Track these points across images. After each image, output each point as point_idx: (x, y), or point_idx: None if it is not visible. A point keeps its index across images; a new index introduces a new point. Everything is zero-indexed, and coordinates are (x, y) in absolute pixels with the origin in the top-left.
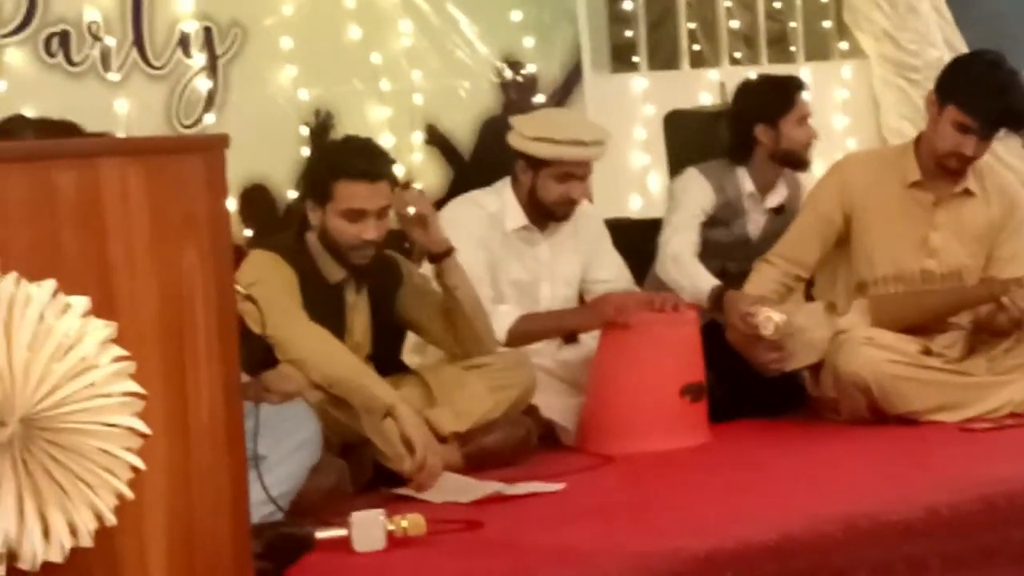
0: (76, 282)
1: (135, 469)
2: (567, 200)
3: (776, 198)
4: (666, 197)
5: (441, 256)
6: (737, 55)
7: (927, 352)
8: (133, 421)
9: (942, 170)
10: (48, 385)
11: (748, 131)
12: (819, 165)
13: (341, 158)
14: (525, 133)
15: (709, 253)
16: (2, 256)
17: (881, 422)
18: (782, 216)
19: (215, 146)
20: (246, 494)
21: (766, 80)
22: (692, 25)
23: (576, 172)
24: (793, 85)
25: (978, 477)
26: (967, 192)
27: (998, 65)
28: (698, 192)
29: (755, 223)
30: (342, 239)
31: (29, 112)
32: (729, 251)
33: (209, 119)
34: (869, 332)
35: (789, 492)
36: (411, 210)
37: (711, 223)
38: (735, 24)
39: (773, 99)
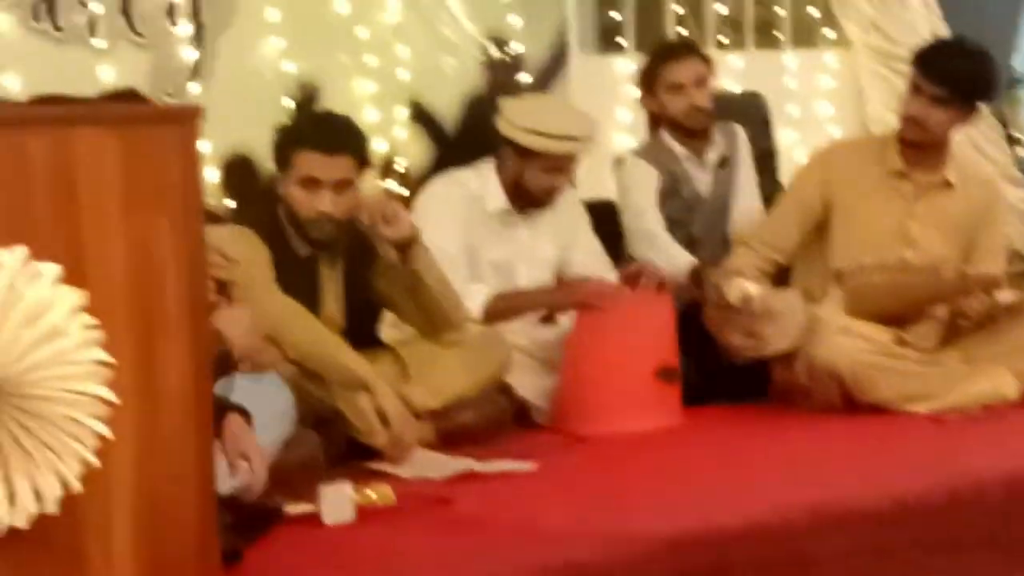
0: (47, 249)
1: (102, 437)
2: (552, 190)
3: (714, 153)
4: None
5: (406, 245)
6: (723, 40)
7: (901, 342)
8: (101, 390)
9: (908, 146)
10: (16, 352)
11: (644, 104)
12: (802, 152)
13: (302, 127)
14: (516, 122)
15: (671, 224)
16: None
17: (853, 411)
18: (727, 168)
19: (190, 117)
20: (212, 465)
21: (650, 52)
22: (679, 9)
23: (564, 164)
24: (660, 52)
25: (948, 467)
26: (947, 183)
27: (965, 40)
28: (642, 173)
29: (703, 182)
30: (299, 210)
31: (14, 77)
32: (688, 216)
33: (194, 89)
34: (844, 320)
35: (758, 477)
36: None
37: (663, 196)
38: (722, 9)
39: (643, 70)
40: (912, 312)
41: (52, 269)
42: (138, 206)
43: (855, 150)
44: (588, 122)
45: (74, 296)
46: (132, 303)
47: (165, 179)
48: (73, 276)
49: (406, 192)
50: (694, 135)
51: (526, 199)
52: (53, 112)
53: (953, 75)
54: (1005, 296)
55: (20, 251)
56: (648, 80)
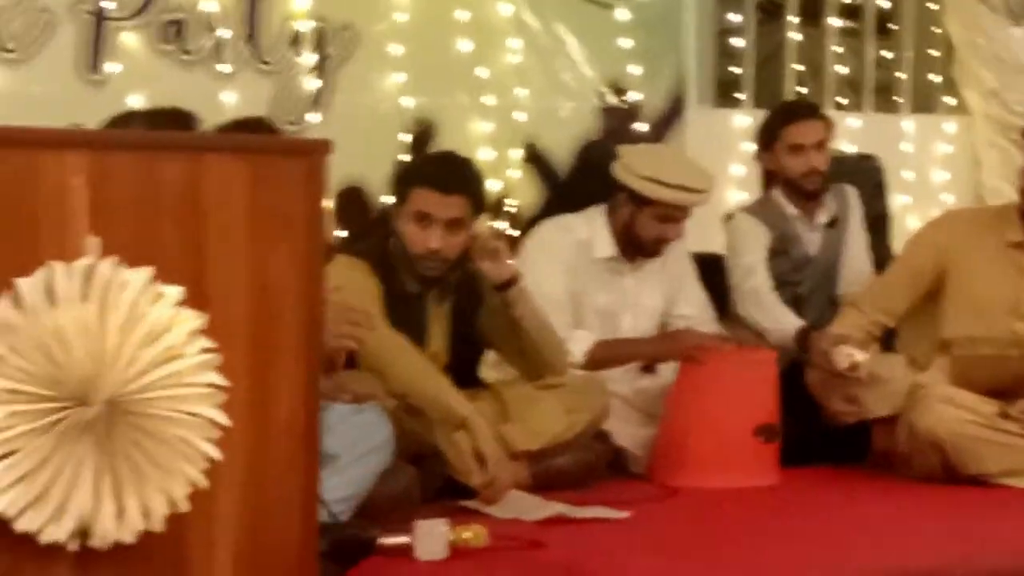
0: (172, 272)
1: (211, 459)
2: (663, 240)
3: (825, 214)
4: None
5: (506, 285)
6: (842, 100)
7: (1005, 415)
8: (214, 412)
9: None
10: (135, 370)
11: (761, 162)
12: (915, 217)
13: (421, 165)
14: (634, 169)
15: (778, 283)
16: (104, 241)
17: (952, 481)
18: (836, 229)
19: (318, 151)
20: (317, 494)
21: (773, 110)
22: (799, 67)
23: (677, 215)
24: (784, 111)
25: None
26: None
27: None
28: (752, 232)
29: (811, 242)
30: (410, 245)
31: (139, 97)
32: (796, 276)
33: (313, 118)
34: (948, 390)
35: (851, 542)
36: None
37: (772, 255)
38: (842, 69)
39: (764, 127)
40: (1018, 386)
41: (175, 291)
42: (262, 234)
43: (973, 219)
44: (705, 175)
45: (194, 319)
46: (250, 329)
47: (290, 210)
48: (195, 299)
49: (516, 233)
50: (808, 196)
51: (636, 247)
52: (186, 138)
53: None
54: None
55: (145, 271)
56: (767, 138)
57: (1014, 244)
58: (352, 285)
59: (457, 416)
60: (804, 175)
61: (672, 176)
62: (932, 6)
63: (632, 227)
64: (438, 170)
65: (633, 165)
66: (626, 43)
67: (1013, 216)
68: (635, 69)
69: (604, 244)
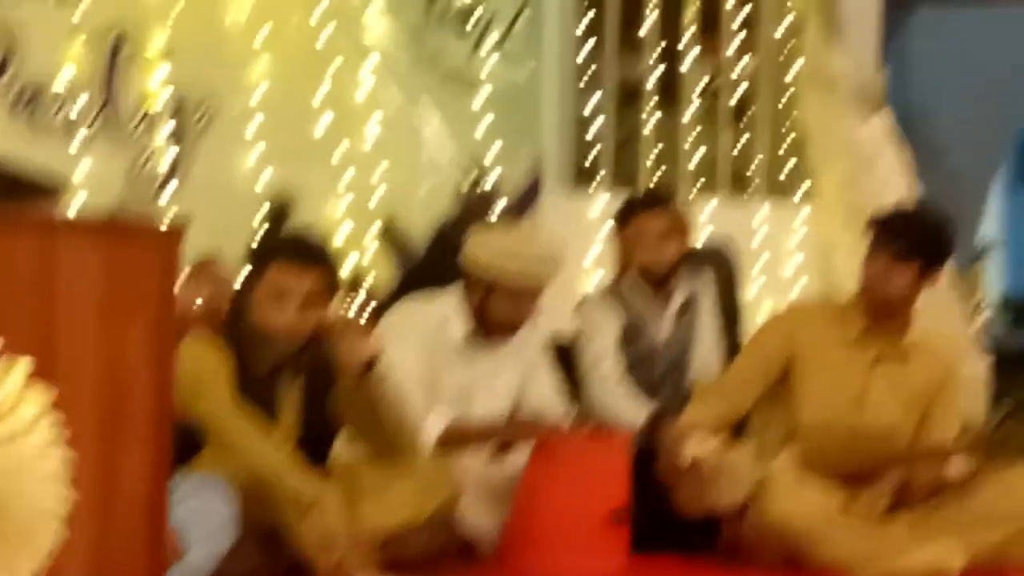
0: (22, 346)
1: (58, 536)
2: (516, 320)
3: (677, 300)
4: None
5: (366, 367)
6: (697, 186)
7: (851, 505)
8: (61, 489)
9: (873, 309)
10: None
11: (616, 246)
12: (768, 303)
13: (277, 241)
14: (485, 250)
15: (629, 369)
16: None
17: (798, 570)
18: (687, 315)
19: (173, 231)
20: (163, 571)
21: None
22: (656, 150)
23: (529, 296)
24: (636, 200)
25: None
26: (908, 351)
27: (923, 205)
28: (603, 317)
29: (664, 329)
30: (266, 321)
31: None
32: (647, 362)
33: (168, 193)
34: (795, 480)
35: None
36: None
37: (622, 341)
38: (698, 155)
39: (617, 213)
40: (863, 476)
41: (24, 364)
42: (115, 312)
43: (821, 311)
44: (555, 256)
45: (43, 393)
46: (100, 408)
47: (143, 291)
48: (45, 373)
49: (371, 313)
50: (654, 285)
51: (490, 328)
52: (41, 219)
53: (908, 231)
54: (956, 467)
55: None
56: (619, 224)
57: (859, 336)
58: (204, 362)
59: (306, 496)
60: (649, 265)
61: (521, 257)
62: (787, 94)
63: (485, 308)
64: (295, 246)
65: (484, 246)
66: (486, 123)
67: (858, 309)
68: (494, 150)
69: (459, 324)
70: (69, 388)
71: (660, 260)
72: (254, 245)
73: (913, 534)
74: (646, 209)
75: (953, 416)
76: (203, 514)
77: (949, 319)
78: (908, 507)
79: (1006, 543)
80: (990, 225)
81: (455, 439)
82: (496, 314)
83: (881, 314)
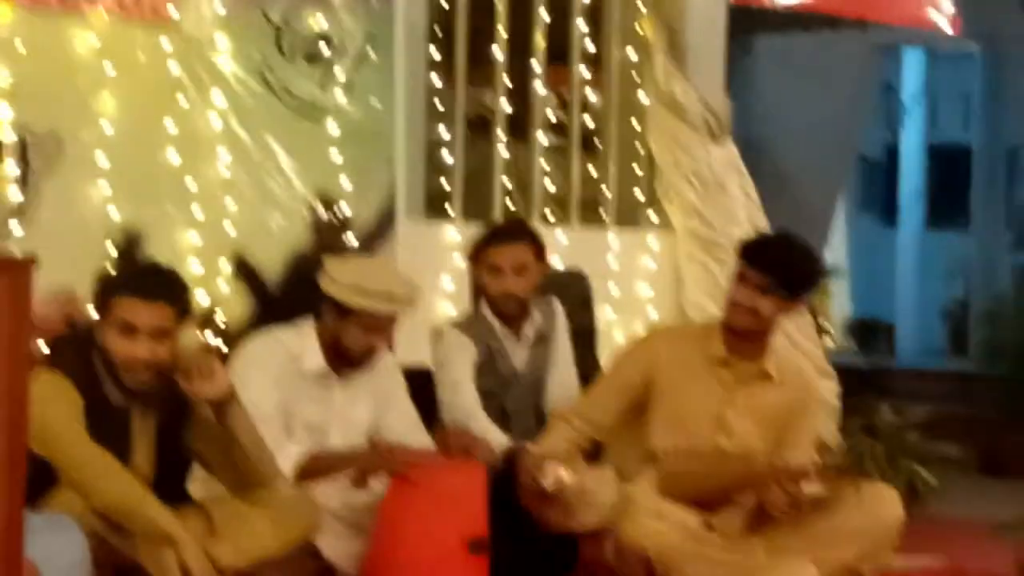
0: None
1: None
2: (370, 350)
3: (531, 329)
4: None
5: (222, 402)
6: (549, 215)
7: (709, 527)
8: None
9: (731, 336)
10: None
11: (472, 276)
12: (620, 330)
13: (124, 274)
14: (337, 279)
15: (485, 397)
16: None
17: None
18: (542, 343)
19: (23, 269)
20: None
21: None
22: (508, 181)
23: (381, 324)
24: (490, 232)
25: None
26: (766, 374)
27: (789, 233)
28: (458, 346)
29: (519, 357)
30: (115, 355)
31: None
32: (502, 390)
33: (16, 230)
34: (654, 502)
35: None
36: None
37: (479, 370)
38: (549, 184)
39: (473, 244)
40: (721, 498)
41: None
42: None
43: (680, 335)
44: (409, 284)
45: None
46: None
47: None
48: None
49: (225, 347)
50: (511, 314)
51: (344, 359)
52: None
53: (777, 265)
54: (811, 488)
55: None
56: (473, 255)
57: (718, 360)
58: (55, 398)
59: (162, 532)
60: (499, 297)
61: (374, 285)
62: (636, 124)
63: (339, 338)
64: (141, 278)
65: (336, 275)
66: (337, 156)
67: (717, 333)
68: (345, 182)
69: (313, 357)
70: None
71: (514, 292)
72: (98, 279)
73: (770, 553)
74: (499, 243)
75: (809, 437)
76: (55, 553)
77: (800, 342)
78: (764, 527)
79: (860, 559)
80: (834, 251)
81: (313, 469)
82: (350, 343)
83: (742, 339)
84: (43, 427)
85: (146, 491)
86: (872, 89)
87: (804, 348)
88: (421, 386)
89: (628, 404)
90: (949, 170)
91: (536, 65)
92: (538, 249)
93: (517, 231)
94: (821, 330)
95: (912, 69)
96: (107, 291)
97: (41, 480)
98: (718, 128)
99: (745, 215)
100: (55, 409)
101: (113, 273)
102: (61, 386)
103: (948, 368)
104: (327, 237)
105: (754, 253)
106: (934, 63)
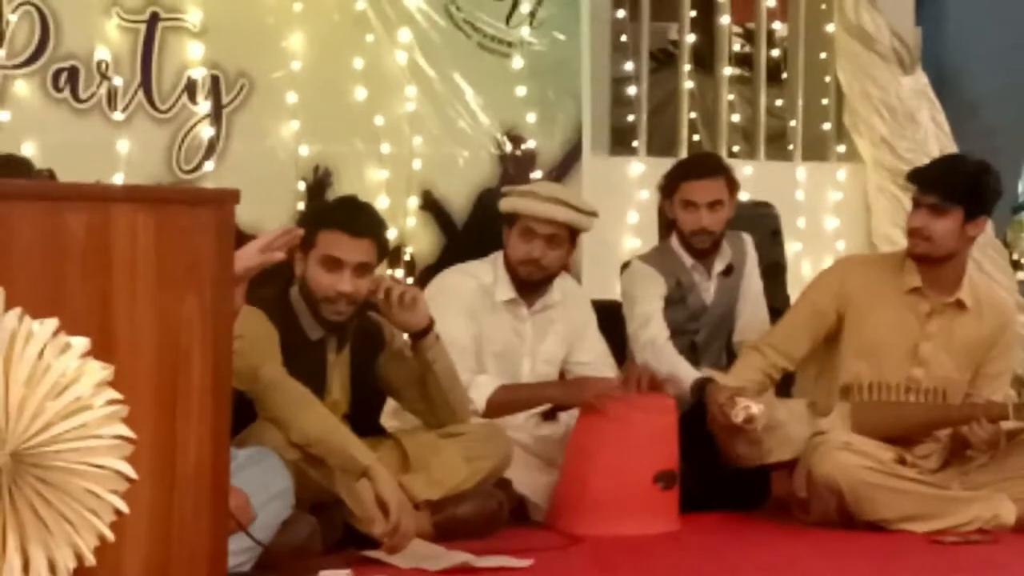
0: (78, 322)
1: (118, 512)
2: (530, 259)
3: (721, 262)
4: (621, 291)
5: (421, 334)
6: (735, 148)
7: (902, 461)
8: (121, 465)
9: (923, 265)
10: (41, 422)
11: (662, 210)
12: (807, 264)
13: (330, 208)
14: (514, 194)
15: (674, 332)
16: (9, 291)
17: (849, 527)
18: (731, 277)
19: (226, 200)
20: (225, 546)
21: (677, 161)
22: (693, 115)
23: (538, 229)
24: (683, 166)
25: None
26: (961, 305)
27: (961, 154)
28: (648, 280)
29: (707, 291)
30: (318, 289)
31: (31, 145)
32: (692, 325)
33: (209, 166)
34: (847, 436)
35: None
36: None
37: (668, 304)
38: (736, 118)
39: (665, 178)
40: (916, 433)
41: (81, 342)
42: (169, 284)
43: (873, 264)
44: (568, 191)
45: (101, 370)
46: (157, 380)
47: (197, 259)
48: (101, 350)
49: (415, 280)
50: (696, 253)
51: (513, 275)
52: (93, 189)
53: (945, 181)
54: (1008, 425)
55: (51, 323)
56: (667, 189)
57: (911, 290)
58: (254, 333)
59: (359, 465)
60: (693, 233)
61: (543, 191)
62: (823, 55)
63: (507, 254)
64: (348, 214)
65: (515, 191)
66: (522, 91)
67: (909, 262)
68: (531, 117)
69: (504, 287)
70: (126, 365)
71: (708, 227)
72: (302, 212)
73: (965, 490)
74: (695, 177)
75: (1006, 372)
76: (261, 484)
77: (993, 274)
78: (960, 464)
79: None
80: None
81: (505, 401)
82: (513, 254)
83: (935, 268)
84: (243, 362)
85: (342, 424)
86: None
87: (998, 281)
88: (611, 320)
89: (819, 333)
90: None
91: None
92: (732, 184)
93: (713, 166)
94: (1016, 264)
95: None
96: (313, 224)
97: (240, 415)
98: (908, 58)
99: (936, 145)
100: (254, 344)
101: (317, 207)
102: (259, 320)
103: None
104: (513, 172)
105: (922, 174)
106: None
